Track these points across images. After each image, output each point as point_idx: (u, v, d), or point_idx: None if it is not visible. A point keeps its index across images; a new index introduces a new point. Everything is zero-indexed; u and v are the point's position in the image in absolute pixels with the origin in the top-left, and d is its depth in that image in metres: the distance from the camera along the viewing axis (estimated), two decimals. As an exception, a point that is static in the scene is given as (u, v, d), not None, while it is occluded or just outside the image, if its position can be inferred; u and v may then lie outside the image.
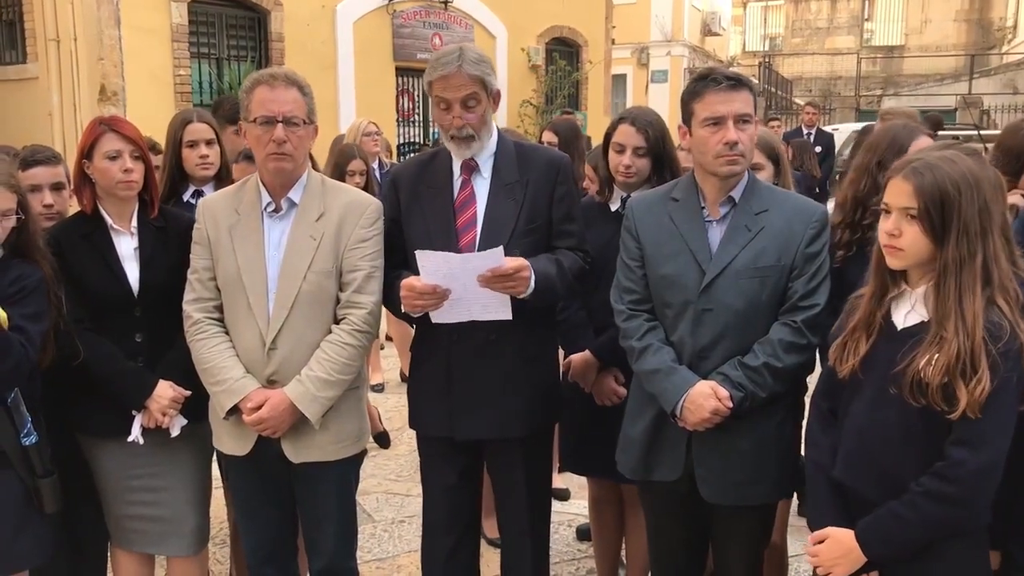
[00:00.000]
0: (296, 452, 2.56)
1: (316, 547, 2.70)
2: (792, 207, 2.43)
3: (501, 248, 2.44)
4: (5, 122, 9.73)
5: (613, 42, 17.52)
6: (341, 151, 5.00)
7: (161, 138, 3.68)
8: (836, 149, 11.26)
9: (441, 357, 2.67)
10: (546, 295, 2.58)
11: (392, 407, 5.72)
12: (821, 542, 2.06)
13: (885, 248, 1.97)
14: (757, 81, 21.19)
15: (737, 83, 2.36)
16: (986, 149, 3.96)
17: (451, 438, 2.69)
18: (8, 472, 2.38)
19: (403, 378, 6.05)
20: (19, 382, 2.38)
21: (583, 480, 3.58)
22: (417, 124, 13.60)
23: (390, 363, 6.64)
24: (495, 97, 2.63)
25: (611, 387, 2.91)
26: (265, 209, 2.57)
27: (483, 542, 3.48)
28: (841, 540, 2.02)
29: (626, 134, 2.91)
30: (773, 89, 23.99)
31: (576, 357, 2.95)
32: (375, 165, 5.96)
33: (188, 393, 2.62)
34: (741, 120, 2.34)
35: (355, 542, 2.84)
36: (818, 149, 10.07)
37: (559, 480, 4.13)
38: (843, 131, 12.44)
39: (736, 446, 2.38)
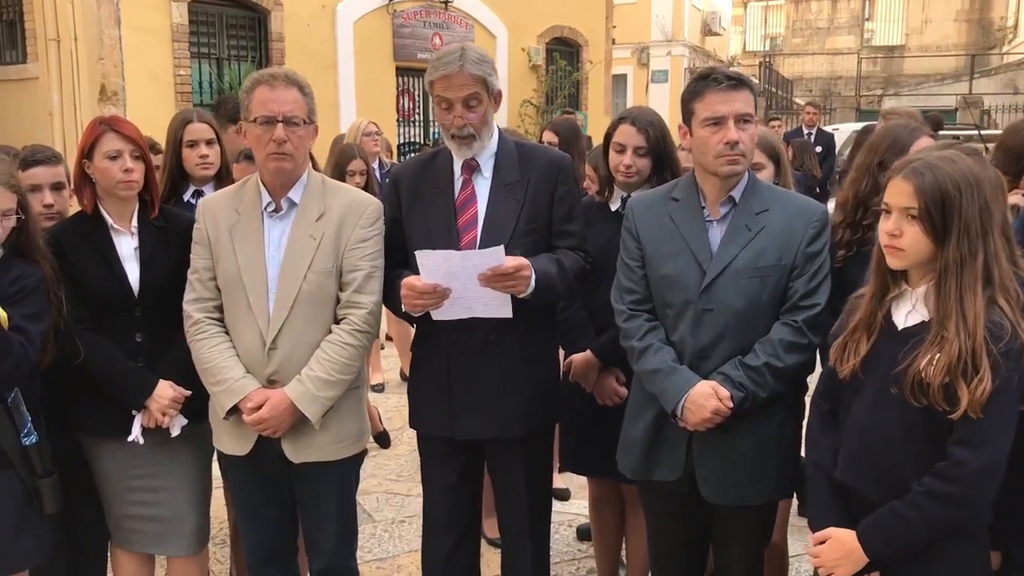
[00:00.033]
0: (296, 452, 2.56)
1: (316, 547, 2.70)
2: (792, 206, 2.43)
3: (502, 246, 2.44)
4: (5, 122, 9.73)
5: (613, 42, 17.52)
6: (341, 151, 5.00)
7: (161, 138, 3.68)
8: (836, 149, 11.26)
9: (441, 357, 2.67)
10: (547, 294, 2.57)
11: (392, 407, 5.72)
12: (823, 542, 2.06)
13: (886, 248, 1.97)
14: (757, 81, 21.20)
15: (738, 83, 2.36)
16: (987, 149, 3.96)
17: (451, 438, 2.69)
18: (8, 472, 2.38)
19: (403, 377, 6.06)
20: (19, 382, 2.38)
21: (583, 480, 3.58)
22: (417, 124, 13.61)
23: (390, 363, 6.64)
24: (496, 97, 2.63)
25: (612, 387, 2.91)
26: (265, 209, 2.57)
27: (483, 542, 3.48)
28: (843, 540, 2.02)
29: (627, 134, 2.91)
30: (774, 89, 23.99)
31: (577, 357, 2.95)
32: (375, 165, 5.96)
33: (188, 393, 2.62)
34: (742, 120, 2.34)
35: (355, 542, 2.84)
36: (818, 149, 10.07)
37: (559, 480, 4.12)
38: (843, 131, 12.44)
39: (737, 446, 2.37)
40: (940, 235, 1.88)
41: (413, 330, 2.86)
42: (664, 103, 18.85)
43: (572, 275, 2.64)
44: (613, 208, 3.01)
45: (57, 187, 2.84)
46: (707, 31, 24.78)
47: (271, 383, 2.52)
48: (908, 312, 1.99)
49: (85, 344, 2.52)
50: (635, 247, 2.51)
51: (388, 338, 6.78)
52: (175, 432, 2.65)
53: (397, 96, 13.01)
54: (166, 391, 2.60)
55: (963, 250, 1.87)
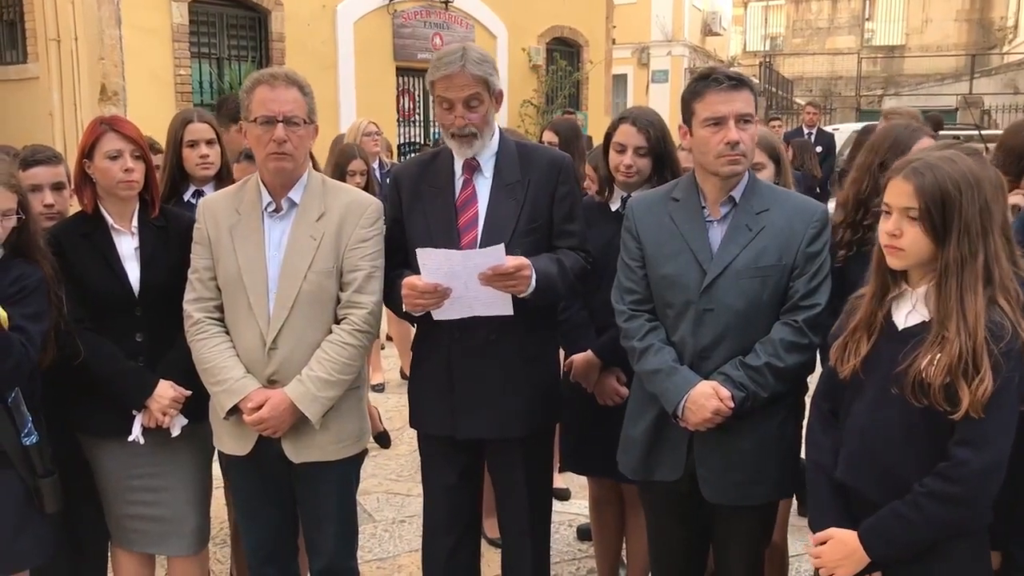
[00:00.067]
0: (297, 452, 2.56)
1: (317, 547, 2.70)
2: (793, 206, 2.43)
3: (502, 245, 2.44)
4: (6, 122, 9.73)
5: (614, 42, 17.52)
6: (342, 151, 5.00)
7: (161, 138, 3.68)
8: (837, 149, 11.26)
9: (442, 356, 2.67)
10: (547, 294, 2.57)
11: (393, 407, 5.72)
12: (824, 543, 2.06)
13: (886, 248, 1.97)
14: (758, 81, 21.19)
15: (738, 83, 2.36)
16: (987, 149, 3.96)
17: (452, 437, 2.69)
18: (9, 472, 2.38)
19: (403, 376, 6.06)
20: (20, 382, 2.38)
21: (584, 480, 3.58)
22: (418, 124, 13.61)
23: (390, 363, 6.65)
24: (498, 97, 2.63)
25: (613, 387, 2.91)
26: (265, 209, 2.57)
27: (484, 542, 3.48)
28: (844, 541, 2.02)
29: (627, 134, 2.91)
30: (774, 89, 23.98)
31: (578, 357, 2.95)
32: (375, 165, 5.96)
33: (189, 393, 2.62)
34: (742, 120, 2.34)
35: (356, 542, 2.84)
36: (819, 149, 10.07)
37: (560, 480, 4.13)
38: (844, 131, 12.42)
39: (737, 446, 2.37)
40: (940, 235, 1.88)
41: (413, 329, 2.87)
42: (664, 103, 18.86)
43: (573, 275, 2.64)
44: (613, 208, 3.01)
45: (57, 187, 2.84)
46: (707, 31, 24.78)
47: (271, 383, 2.52)
48: (908, 312, 1.99)
49: (85, 344, 2.52)
50: (635, 247, 2.51)
51: (388, 338, 6.78)
52: (175, 432, 2.65)
53: (397, 96, 13.01)
54: (166, 391, 2.60)
55: (963, 250, 1.87)
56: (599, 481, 3.26)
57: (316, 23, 11.50)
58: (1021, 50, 24.39)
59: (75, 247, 2.60)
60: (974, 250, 1.87)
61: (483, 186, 2.66)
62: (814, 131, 11.09)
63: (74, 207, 2.76)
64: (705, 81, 2.38)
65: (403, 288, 2.51)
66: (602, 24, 16.38)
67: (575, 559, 3.88)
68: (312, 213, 2.56)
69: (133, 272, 2.63)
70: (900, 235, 1.92)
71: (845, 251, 2.61)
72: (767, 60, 25.34)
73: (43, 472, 2.42)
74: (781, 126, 11.86)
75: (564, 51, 15.53)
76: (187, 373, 2.60)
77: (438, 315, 2.55)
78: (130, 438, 2.61)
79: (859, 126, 8.64)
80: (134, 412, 2.61)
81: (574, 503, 4.32)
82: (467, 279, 2.45)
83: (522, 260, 2.46)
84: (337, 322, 2.56)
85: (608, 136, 2.99)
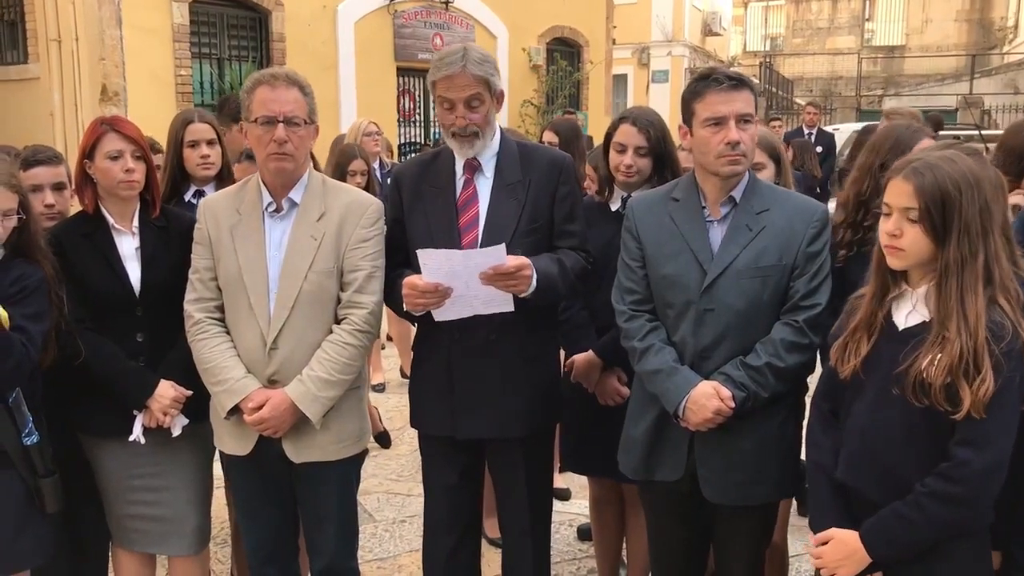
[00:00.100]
0: (297, 452, 2.56)
1: (317, 547, 2.70)
2: (793, 206, 2.43)
3: (503, 245, 2.44)
4: (6, 122, 9.74)
5: (614, 42, 17.52)
6: (342, 151, 5.00)
7: (162, 138, 3.69)
8: (837, 149, 11.26)
9: (442, 356, 2.67)
10: (548, 294, 2.58)
11: (393, 407, 5.72)
12: (825, 543, 2.06)
13: (886, 248, 1.97)
14: (758, 81, 21.19)
15: (738, 83, 2.36)
16: (987, 149, 3.96)
17: (452, 437, 2.69)
18: (9, 472, 2.39)
19: (403, 376, 6.06)
20: (20, 382, 2.38)
21: (584, 480, 3.58)
22: (418, 124, 13.61)
23: (391, 363, 6.65)
24: (499, 97, 2.63)
25: (614, 387, 2.91)
26: (266, 209, 2.57)
27: (484, 542, 3.48)
28: (846, 541, 2.02)
29: (627, 134, 2.91)
30: (774, 89, 23.98)
31: (579, 357, 2.95)
32: (376, 165, 5.96)
33: (189, 393, 2.62)
34: (742, 120, 2.34)
35: (356, 542, 2.84)
36: (819, 149, 10.07)
37: (560, 480, 4.13)
38: (844, 131, 12.42)
39: (738, 446, 2.37)
40: (940, 235, 1.88)
41: (414, 329, 2.87)
42: (664, 103, 18.86)
43: (573, 275, 2.64)
44: (613, 208, 3.01)
45: (58, 187, 2.84)
46: (707, 31, 24.78)
47: (272, 383, 2.52)
48: (908, 312, 1.99)
49: (86, 344, 2.52)
50: (636, 247, 2.51)
51: (389, 338, 6.78)
52: (176, 432, 2.65)
53: (398, 96, 13.02)
54: (167, 391, 2.60)
55: (963, 250, 1.87)
56: (599, 481, 3.26)
57: (317, 23, 11.50)
58: (1021, 50, 24.39)
59: (76, 247, 2.60)
60: (974, 250, 1.87)
61: (484, 186, 2.66)
62: (814, 131, 11.09)
63: (75, 207, 2.76)
64: (705, 81, 2.38)
65: (404, 288, 2.51)
66: (602, 24, 16.39)
67: (575, 559, 3.88)
68: (313, 213, 2.56)
69: (134, 272, 2.63)
70: (900, 235, 1.92)
71: (845, 251, 2.61)
72: (767, 60, 25.33)
73: (44, 472, 2.42)
74: (781, 126, 11.85)
75: (564, 51, 15.53)
76: (188, 373, 2.60)
77: (439, 315, 2.55)
78: (131, 438, 2.61)
79: (859, 126, 8.65)
80: (135, 412, 2.61)
81: (574, 503, 4.32)
82: (468, 279, 2.45)
83: (523, 260, 2.46)
84: (337, 322, 2.56)
85: (608, 136, 2.99)
